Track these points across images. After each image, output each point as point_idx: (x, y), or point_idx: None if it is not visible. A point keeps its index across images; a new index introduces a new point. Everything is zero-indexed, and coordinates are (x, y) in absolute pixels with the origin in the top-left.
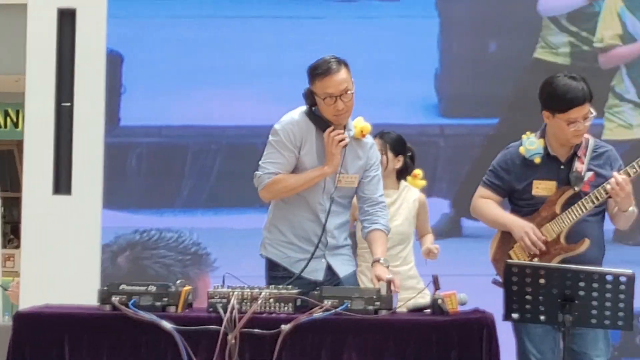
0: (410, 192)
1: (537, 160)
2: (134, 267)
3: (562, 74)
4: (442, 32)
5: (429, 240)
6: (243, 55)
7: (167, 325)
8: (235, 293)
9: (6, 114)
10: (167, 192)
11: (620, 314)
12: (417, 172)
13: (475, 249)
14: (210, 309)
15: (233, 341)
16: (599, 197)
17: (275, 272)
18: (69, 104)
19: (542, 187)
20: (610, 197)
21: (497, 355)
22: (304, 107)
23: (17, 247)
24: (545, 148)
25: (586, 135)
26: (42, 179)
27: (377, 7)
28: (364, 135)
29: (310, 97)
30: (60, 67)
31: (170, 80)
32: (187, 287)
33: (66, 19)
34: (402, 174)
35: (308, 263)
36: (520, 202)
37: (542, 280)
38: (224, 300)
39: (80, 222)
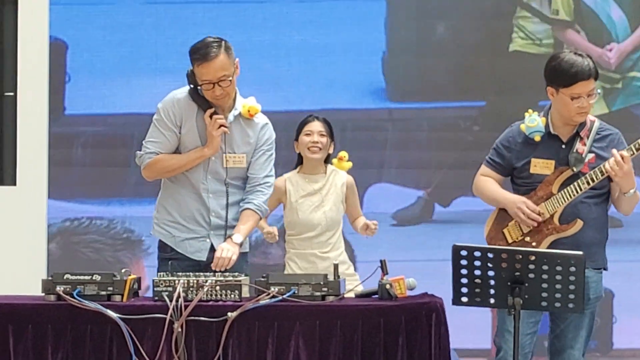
0: (338, 176)
1: (537, 138)
2: (65, 253)
3: (567, 51)
4: (389, 15)
5: (362, 221)
6: (186, 41)
7: (112, 314)
8: (181, 281)
9: None
10: (114, 181)
11: (571, 296)
12: (343, 154)
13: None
14: (156, 298)
15: (179, 329)
16: (595, 178)
17: (164, 254)
18: (12, 94)
19: (540, 166)
20: (608, 178)
21: (446, 339)
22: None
23: None
24: (547, 126)
25: (591, 117)
26: None
27: None
28: (252, 116)
29: (192, 77)
30: (2, 56)
31: (115, 68)
32: (132, 276)
33: (7, 7)
34: (328, 157)
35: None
36: (519, 180)
37: (491, 264)
38: (170, 289)
39: (25, 213)
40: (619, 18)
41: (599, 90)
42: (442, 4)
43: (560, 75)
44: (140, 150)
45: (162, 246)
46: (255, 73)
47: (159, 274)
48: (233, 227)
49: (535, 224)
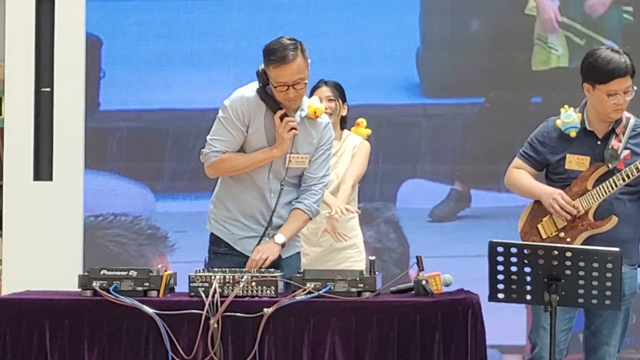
0: (352, 139)
1: (573, 133)
2: (96, 248)
3: (604, 47)
4: (423, 11)
5: (343, 196)
6: (220, 37)
7: (149, 310)
8: (217, 277)
9: None
10: (147, 176)
11: (608, 292)
12: (360, 120)
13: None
14: (192, 293)
15: (215, 325)
16: (630, 175)
17: (217, 248)
18: (48, 89)
19: (575, 162)
20: None
21: (482, 336)
22: (256, 84)
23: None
24: (583, 122)
25: (627, 114)
26: (22, 165)
27: None
28: (317, 117)
29: (263, 77)
30: (39, 52)
31: (149, 64)
32: (169, 272)
33: (45, 3)
34: (344, 122)
35: (260, 240)
36: (554, 176)
37: (527, 260)
38: (206, 284)
39: (62, 208)
40: None
41: (635, 87)
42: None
43: (597, 72)
44: (204, 147)
45: (216, 241)
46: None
47: (195, 270)
48: None
49: (569, 217)
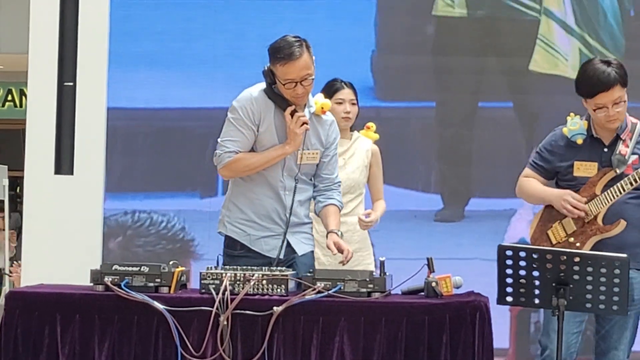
0: (363, 142)
1: (580, 141)
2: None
3: (597, 58)
4: (378, 14)
5: (380, 209)
6: (206, 38)
7: (159, 305)
8: (228, 274)
9: (22, 93)
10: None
11: (615, 298)
12: (371, 124)
13: None
14: (203, 290)
15: (225, 322)
16: (638, 179)
17: (232, 251)
18: (71, 84)
19: (583, 168)
20: None
21: (489, 338)
22: (262, 85)
23: None
24: (589, 129)
25: (633, 119)
26: (44, 159)
27: None
28: (324, 112)
29: (270, 76)
30: (62, 46)
31: (162, 61)
32: (180, 268)
33: None
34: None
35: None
36: (563, 183)
37: (535, 264)
38: (217, 282)
39: (82, 203)
40: None
41: (624, 99)
42: (432, 3)
43: (582, 86)
44: (217, 149)
45: (231, 244)
46: (245, 69)
47: (207, 267)
48: (305, 223)
49: (583, 215)
